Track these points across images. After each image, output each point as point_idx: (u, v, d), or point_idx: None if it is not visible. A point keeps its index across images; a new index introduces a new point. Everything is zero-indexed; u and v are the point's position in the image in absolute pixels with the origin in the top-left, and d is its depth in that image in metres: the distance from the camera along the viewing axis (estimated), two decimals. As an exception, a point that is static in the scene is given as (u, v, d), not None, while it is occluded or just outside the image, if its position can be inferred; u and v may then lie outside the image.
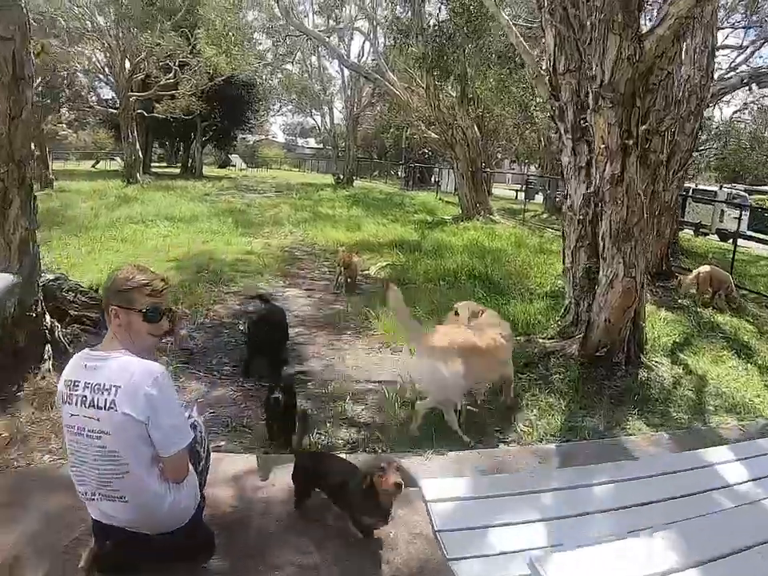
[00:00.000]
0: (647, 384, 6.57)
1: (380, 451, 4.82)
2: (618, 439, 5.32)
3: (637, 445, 5.19)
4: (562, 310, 7.59)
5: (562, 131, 7.21)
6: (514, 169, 58.46)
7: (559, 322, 7.51)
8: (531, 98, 21.69)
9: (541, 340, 7.32)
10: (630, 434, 5.47)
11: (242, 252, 13.01)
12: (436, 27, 18.04)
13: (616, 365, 6.67)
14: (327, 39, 24.45)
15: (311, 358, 7.05)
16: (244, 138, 71.49)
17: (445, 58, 18.12)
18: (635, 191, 6.00)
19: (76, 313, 6.59)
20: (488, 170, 24.80)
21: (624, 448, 5.09)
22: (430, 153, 45.56)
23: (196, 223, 16.77)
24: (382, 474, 3.22)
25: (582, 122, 7.02)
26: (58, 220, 15.83)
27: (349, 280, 10.40)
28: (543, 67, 7.58)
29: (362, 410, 5.67)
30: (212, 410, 5.44)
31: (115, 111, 30.60)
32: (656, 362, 7.10)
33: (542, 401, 5.94)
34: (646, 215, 6.18)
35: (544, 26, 7.34)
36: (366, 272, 11.66)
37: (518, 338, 7.43)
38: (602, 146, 5.93)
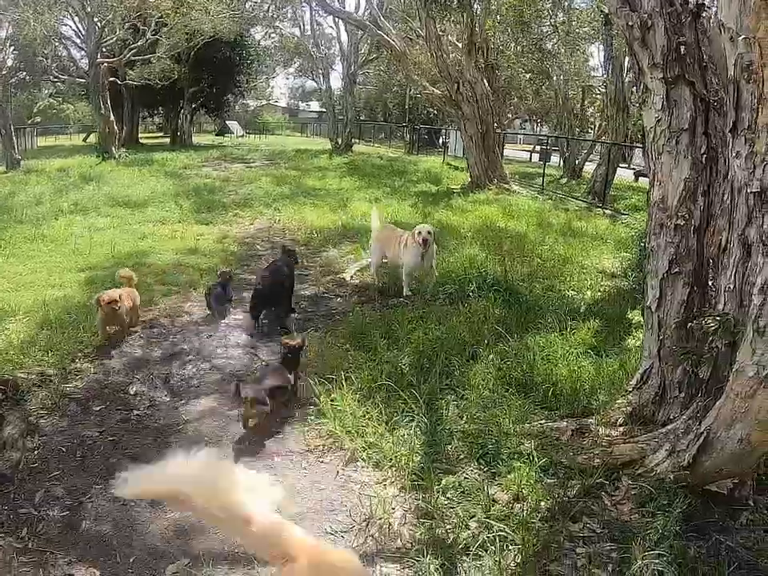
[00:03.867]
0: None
1: None
2: None
3: None
4: (637, 376, 4.50)
5: (645, 65, 4.05)
6: (524, 129, 55.40)
7: (631, 397, 4.43)
8: (553, 35, 18.43)
9: (601, 431, 4.25)
10: None
11: (185, 250, 10.00)
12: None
13: (739, 499, 3.65)
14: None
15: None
16: (245, 104, 68.95)
17: None
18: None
19: None
20: (500, 130, 21.48)
21: None
22: (436, 113, 42.14)
23: (148, 208, 13.94)
24: None
25: (679, 48, 3.89)
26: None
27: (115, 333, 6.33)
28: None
29: None
30: None
31: (83, 80, 27.35)
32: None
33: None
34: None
35: None
36: (341, 275, 8.64)
37: (564, 422, 4.45)
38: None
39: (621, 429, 4.26)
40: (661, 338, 4.21)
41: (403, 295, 7.84)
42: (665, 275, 4.13)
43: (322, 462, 4.24)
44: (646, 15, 3.99)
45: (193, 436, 4.55)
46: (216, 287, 7.12)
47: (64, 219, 12.61)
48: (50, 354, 5.75)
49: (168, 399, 5.22)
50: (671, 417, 4.10)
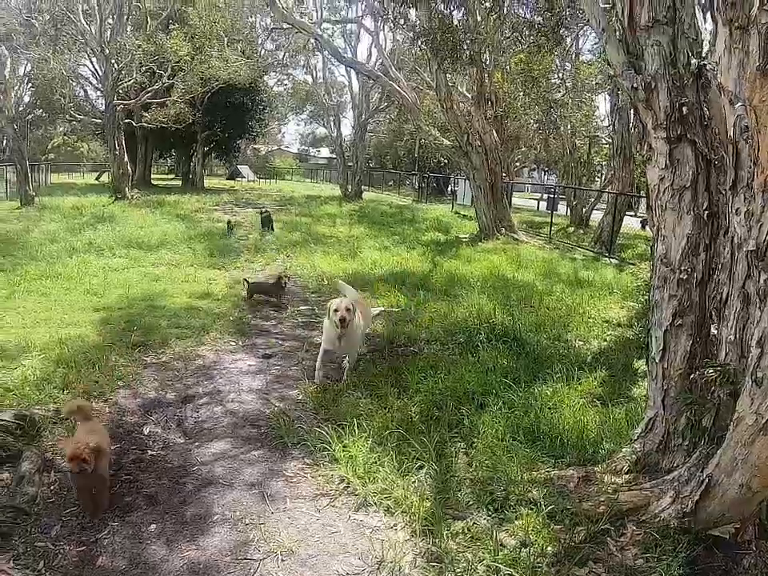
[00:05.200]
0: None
1: None
2: None
3: None
4: (642, 425, 4.59)
5: (649, 125, 4.22)
6: (533, 177, 55.93)
7: (636, 445, 4.51)
8: (561, 87, 18.74)
9: (607, 478, 4.33)
10: None
11: (198, 294, 10.15)
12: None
13: (741, 544, 3.71)
14: (320, 32, 21.45)
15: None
16: (256, 149, 69.74)
17: (453, 33, 14.69)
18: None
19: None
20: (508, 180, 21.77)
21: None
22: (446, 161, 42.62)
23: (161, 251, 14.14)
24: None
25: (682, 108, 4.06)
26: (4, 248, 13.70)
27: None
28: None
29: None
30: None
31: (99, 121, 27.85)
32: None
33: None
34: None
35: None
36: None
37: (571, 470, 4.50)
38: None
39: (626, 476, 4.33)
40: (665, 387, 4.30)
41: (313, 381, 6.55)
42: (668, 327, 4.24)
43: (334, 506, 4.29)
44: (650, 77, 4.16)
45: (207, 478, 4.64)
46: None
47: (78, 258, 12.80)
48: (65, 392, 5.81)
49: (182, 441, 5.27)
50: (675, 464, 4.17)
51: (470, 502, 4.19)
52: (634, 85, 4.24)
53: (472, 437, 5.09)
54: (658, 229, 4.33)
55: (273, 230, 18.79)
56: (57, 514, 4.10)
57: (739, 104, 3.27)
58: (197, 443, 5.23)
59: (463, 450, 4.91)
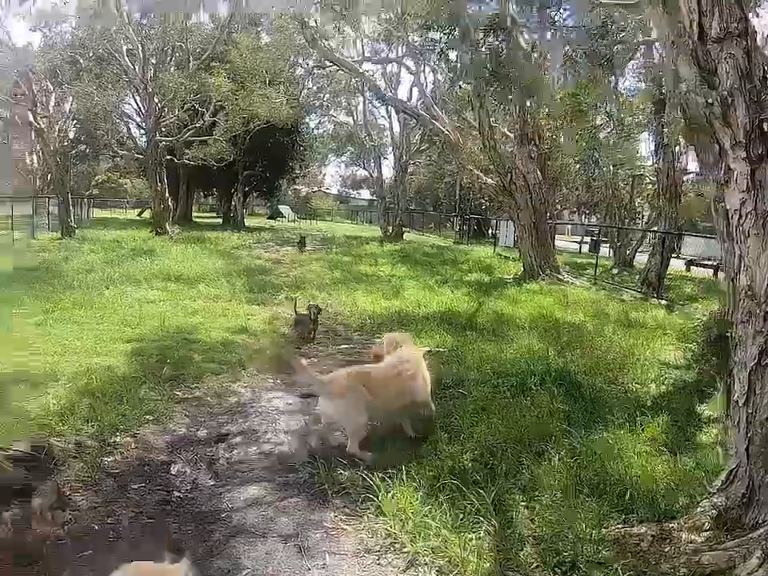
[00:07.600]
0: None
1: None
2: None
3: None
4: (722, 476, 4.12)
5: (727, 144, 3.83)
6: (572, 219, 55.51)
7: (715, 498, 4.04)
8: (607, 124, 18.48)
9: (685, 536, 3.85)
10: None
11: (234, 329, 9.88)
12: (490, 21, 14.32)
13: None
14: (360, 70, 21.47)
15: None
16: (297, 190, 70.59)
17: (500, 66, 14.45)
18: None
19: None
20: (552, 220, 21.37)
21: None
22: (487, 203, 42.38)
23: (199, 285, 13.96)
24: None
25: (762, 125, 3.67)
26: (41, 276, 13.73)
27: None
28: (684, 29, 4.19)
29: None
30: None
31: (141, 156, 28.22)
32: None
33: None
34: None
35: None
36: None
37: (643, 527, 4.01)
38: None
39: (706, 534, 3.86)
40: (749, 434, 3.85)
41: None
42: (754, 367, 3.80)
43: (379, 564, 3.87)
44: (726, 92, 3.81)
45: (237, 526, 4.25)
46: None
47: (114, 289, 12.73)
48: (89, 424, 5.57)
49: (212, 483, 4.94)
50: (761, 520, 3.73)
51: (534, 564, 3.75)
52: (709, 100, 3.87)
53: (533, 488, 4.65)
54: (740, 258, 3.92)
55: (304, 248, 24.98)
56: (69, 558, 3.76)
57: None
58: (228, 486, 4.88)
59: (524, 504, 4.45)
